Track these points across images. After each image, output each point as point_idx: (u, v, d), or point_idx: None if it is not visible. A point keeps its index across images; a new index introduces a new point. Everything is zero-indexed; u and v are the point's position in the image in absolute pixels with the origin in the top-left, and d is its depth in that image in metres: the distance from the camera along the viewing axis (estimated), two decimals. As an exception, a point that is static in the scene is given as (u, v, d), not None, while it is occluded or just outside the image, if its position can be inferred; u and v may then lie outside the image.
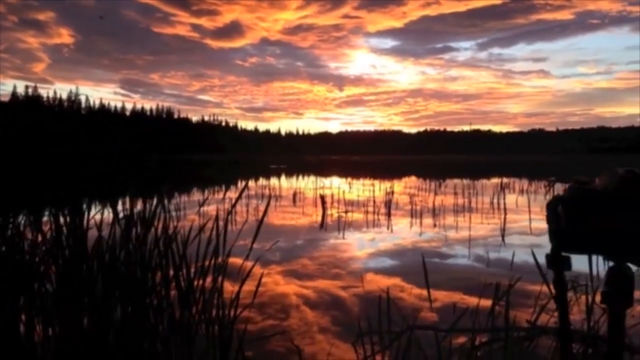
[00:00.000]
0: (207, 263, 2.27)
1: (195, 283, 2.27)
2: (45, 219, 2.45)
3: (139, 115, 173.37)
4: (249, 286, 2.80)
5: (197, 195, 14.26)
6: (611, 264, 0.84)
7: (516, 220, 8.82)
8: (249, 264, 2.50)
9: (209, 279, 2.29)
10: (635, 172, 0.80)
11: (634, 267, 0.83)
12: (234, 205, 2.41)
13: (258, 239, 2.31)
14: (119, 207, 2.49)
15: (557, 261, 0.85)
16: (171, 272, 2.25)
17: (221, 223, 2.29)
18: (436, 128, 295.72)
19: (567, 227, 0.82)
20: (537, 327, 1.92)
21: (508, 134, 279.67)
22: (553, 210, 0.86)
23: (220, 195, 13.62)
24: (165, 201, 2.39)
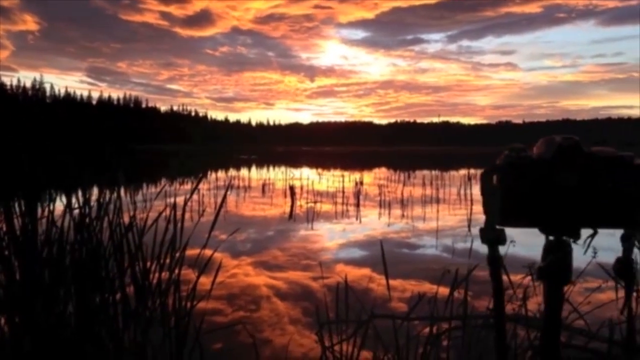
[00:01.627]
0: (164, 253, 2.22)
1: (152, 274, 2.22)
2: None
3: (105, 104, 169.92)
4: (217, 277, 2.77)
5: (160, 186, 14.06)
6: (549, 237, 0.79)
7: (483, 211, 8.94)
8: (217, 255, 2.46)
9: (167, 270, 2.24)
10: (573, 139, 0.75)
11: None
12: (191, 195, 2.35)
13: (228, 230, 2.27)
14: (78, 196, 2.41)
15: (491, 235, 0.81)
16: (127, 263, 2.20)
17: (179, 213, 2.24)
18: (406, 119, 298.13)
19: (502, 198, 0.77)
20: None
21: (476, 125, 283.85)
22: (487, 181, 0.79)
23: (185, 186, 13.47)
24: (122, 190, 2.33)
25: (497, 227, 0.80)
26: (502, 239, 0.81)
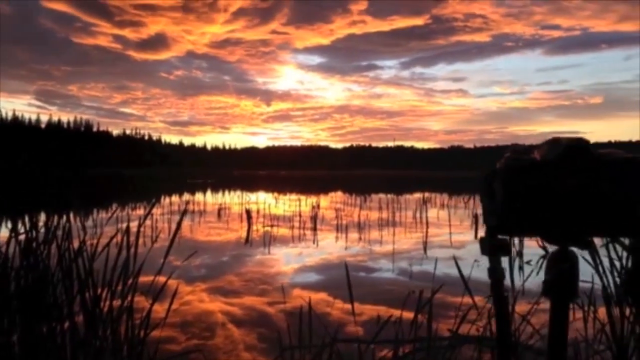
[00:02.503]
0: (115, 279, 2.13)
1: (103, 301, 2.13)
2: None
3: (55, 127, 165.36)
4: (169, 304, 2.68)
5: (111, 212, 13.70)
6: (553, 248, 0.71)
7: (438, 234, 9.07)
8: (171, 282, 2.38)
9: (119, 297, 2.15)
10: (582, 139, 0.67)
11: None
12: (144, 220, 2.28)
13: (182, 255, 2.20)
14: (24, 221, 2.30)
15: (493, 245, 0.72)
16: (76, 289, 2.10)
17: (132, 238, 2.16)
18: (362, 143, 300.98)
19: (504, 205, 0.68)
20: (459, 335, 1.93)
21: (430, 150, 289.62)
22: (487, 186, 0.72)
23: (137, 211, 13.17)
24: (71, 215, 2.25)
25: (500, 236, 0.73)
26: (504, 250, 0.73)
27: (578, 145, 0.67)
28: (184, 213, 2.58)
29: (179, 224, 2.33)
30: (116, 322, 2.08)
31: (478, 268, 5.00)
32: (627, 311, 1.96)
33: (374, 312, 3.88)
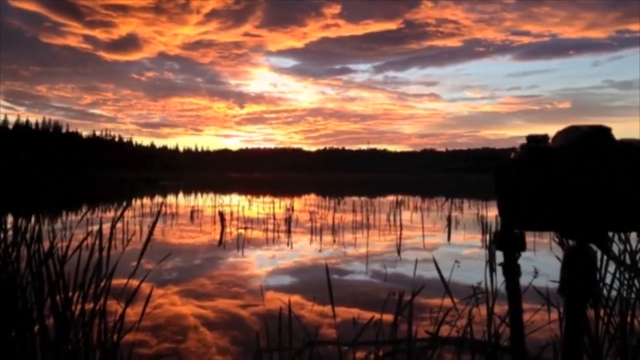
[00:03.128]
0: (88, 282, 2.08)
1: (75, 304, 2.08)
2: None
3: (22, 128, 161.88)
4: (141, 307, 2.63)
5: (81, 214, 13.46)
6: (570, 243, 0.66)
7: (411, 236, 9.13)
8: (143, 285, 2.34)
9: (91, 300, 2.10)
10: (602, 126, 0.63)
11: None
12: (116, 222, 2.23)
13: (154, 258, 2.16)
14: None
15: (509, 240, 0.68)
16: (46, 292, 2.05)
17: (104, 240, 2.12)
18: (335, 147, 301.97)
19: (518, 196, 0.64)
20: (439, 337, 1.94)
21: (402, 153, 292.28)
22: (503, 178, 0.67)
23: (108, 214, 12.97)
24: (40, 217, 2.19)
25: (516, 231, 0.69)
26: (520, 245, 0.69)
27: (597, 132, 0.63)
28: (157, 215, 2.54)
29: (152, 227, 2.28)
30: (88, 325, 2.04)
31: (457, 269, 5.07)
32: (602, 312, 1.99)
33: (349, 314, 3.89)
